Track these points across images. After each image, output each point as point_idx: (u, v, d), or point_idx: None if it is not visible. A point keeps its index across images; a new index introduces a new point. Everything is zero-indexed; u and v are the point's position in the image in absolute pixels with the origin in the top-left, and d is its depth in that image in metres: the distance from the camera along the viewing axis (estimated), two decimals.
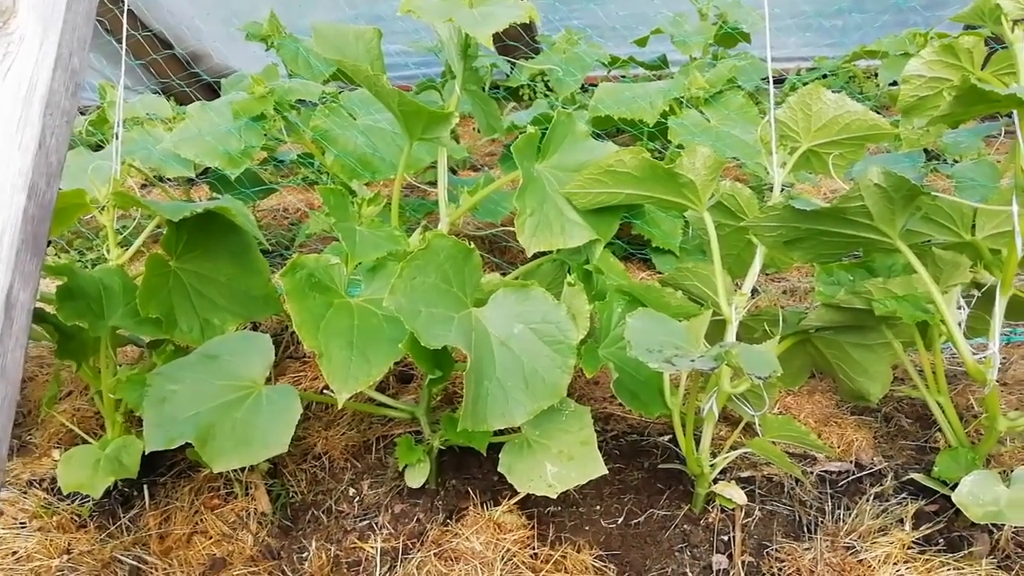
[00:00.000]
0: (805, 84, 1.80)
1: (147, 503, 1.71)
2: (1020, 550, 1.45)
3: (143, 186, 3.39)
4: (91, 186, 1.83)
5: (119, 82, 2.06)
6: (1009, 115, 3.17)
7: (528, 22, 1.57)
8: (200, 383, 1.48)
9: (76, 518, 1.67)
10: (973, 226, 1.58)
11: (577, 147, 1.78)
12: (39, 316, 1.65)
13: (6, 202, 1.05)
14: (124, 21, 2.04)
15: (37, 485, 1.77)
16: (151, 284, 1.66)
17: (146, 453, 1.46)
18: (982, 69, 1.63)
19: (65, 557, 1.54)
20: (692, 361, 1.23)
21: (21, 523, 1.64)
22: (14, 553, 1.56)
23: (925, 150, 3.00)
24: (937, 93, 1.66)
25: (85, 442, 1.74)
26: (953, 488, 1.41)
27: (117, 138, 1.97)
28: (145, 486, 1.74)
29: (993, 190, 2.22)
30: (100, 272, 1.70)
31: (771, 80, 1.75)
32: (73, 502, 1.71)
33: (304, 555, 1.57)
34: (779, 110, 1.64)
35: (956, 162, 2.89)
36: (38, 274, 1.10)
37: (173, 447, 1.38)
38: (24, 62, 1.11)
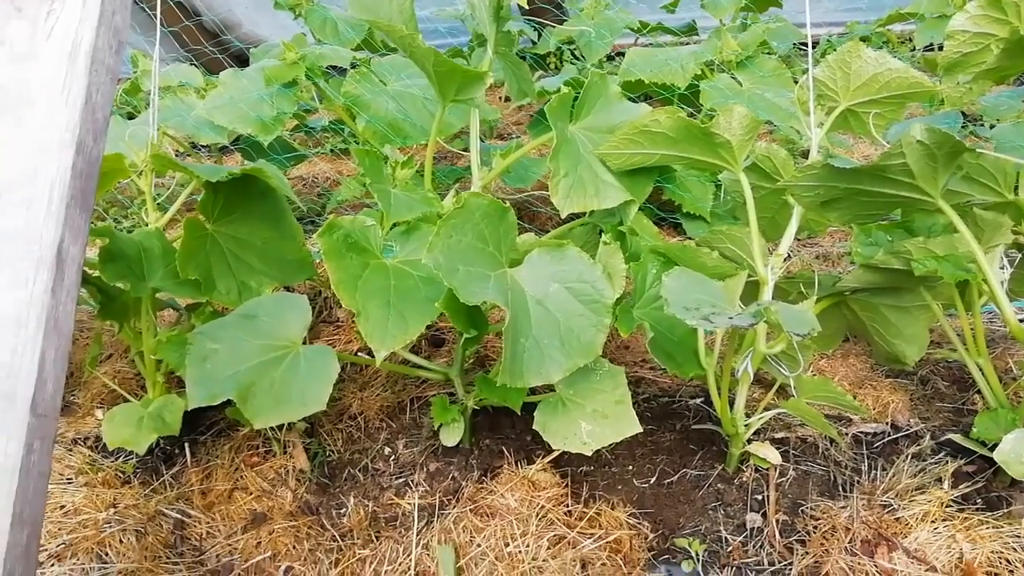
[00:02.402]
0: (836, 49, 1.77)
1: (188, 460, 1.75)
2: None
3: (177, 154, 3.43)
4: (129, 151, 1.86)
5: (153, 50, 2.07)
6: None
7: None
8: (239, 342, 1.50)
9: (120, 474, 1.71)
10: (1016, 186, 1.55)
11: (611, 108, 1.77)
12: (82, 278, 1.68)
13: (55, 157, 1.07)
14: None
15: (82, 443, 1.81)
16: (190, 247, 1.68)
17: (189, 409, 1.49)
18: None
19: (112, 511, 1.58)
20: (730, 319, 1.23)
21: (68, 479, 1.69)
22: (62, 507, 1.60)
23: (962, 113, 2.94)
24: (982, 49, 1.62)
25: (127, 402, 1.78)
26: (992, 449, 1.40)
27: (153, 104, 1.99)
28: (186, 444, 1.78)
29: None
30: (140, 235, 1.73)
31: (809, 37, 1.72)
32: (117, 459, 1.75)
33: (343, 511, 1.60)
34: (817, 69, 1.61)
35: (994, 126, 2.83)
36: (87, 229, 1.12)
37: (215, 403, 1.41)
38: (68, 19, 1.12)
